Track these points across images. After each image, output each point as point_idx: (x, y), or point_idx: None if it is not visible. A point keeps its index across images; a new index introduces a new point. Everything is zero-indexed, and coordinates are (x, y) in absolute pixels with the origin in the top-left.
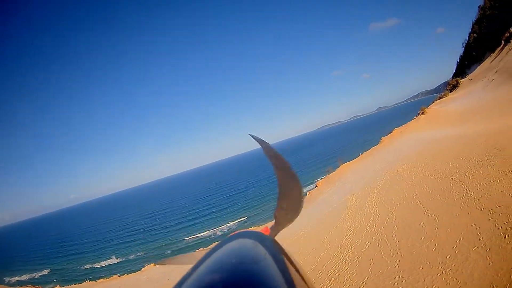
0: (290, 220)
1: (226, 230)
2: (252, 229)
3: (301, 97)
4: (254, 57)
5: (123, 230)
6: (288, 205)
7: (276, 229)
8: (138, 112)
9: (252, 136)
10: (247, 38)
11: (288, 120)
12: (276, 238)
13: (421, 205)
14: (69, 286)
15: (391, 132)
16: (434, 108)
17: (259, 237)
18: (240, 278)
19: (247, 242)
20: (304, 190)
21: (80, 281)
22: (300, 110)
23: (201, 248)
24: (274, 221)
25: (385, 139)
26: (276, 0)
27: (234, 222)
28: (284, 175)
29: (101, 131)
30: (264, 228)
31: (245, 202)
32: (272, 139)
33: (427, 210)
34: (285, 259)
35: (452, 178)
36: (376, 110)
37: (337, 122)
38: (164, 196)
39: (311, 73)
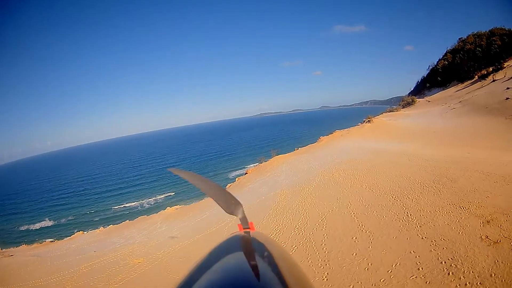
0: (238, 205)
1: (153, 203)
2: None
3: (245, 80)
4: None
5: (57, 191)
6: (225, 199)
7: (242, 219)
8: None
9: (173, 171)
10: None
11: (229, 101)
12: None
13: (355, 218)
14: (8, 249)
15: (331, 133)
16: (382, 119)
17: (257, 237)
18: (241, 278)
19: (244, 242)
20: (234, 174)
21: (17, 244)
22: (242, 93)
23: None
24: (235, 215)
25: (324, 139)
26: None
27: (162, 196)
28: (208, 187)
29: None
30: (238, 225)
31: (176, 177)
32: (207, 119)
33: (362, 225)
34: (283, 256)
35: (392, 197)
36: (319, 108)
37: (277, 112)
38: (103, 158)
39: (261, 58)
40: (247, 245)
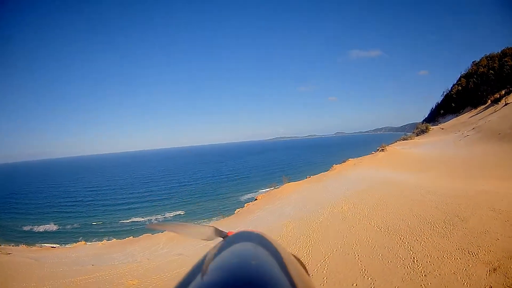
0: (205, 228)
1: (161, 220)
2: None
3: (261, 103)
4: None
5: (66, 198)
6: (192, 231)
7: (219, 233)
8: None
9: (151, 225)
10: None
11: (245, 123)
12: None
13: (359, 260)
14: (7, 246)
15: (344, 161)
16: (396, 148)
17: (257, 237)
18: (243, 278)
19: (247, 241)
20: (245, 197)
21: (18, 242)
22: (258, 116)
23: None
24: (210, 239)
25: (336, 167)
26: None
27: (171, 214)
28: (183, 229)
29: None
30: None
31: (187, 197)
32: (222, 140)
33: (364, 269)
34: (286, 257)
35: (400, 238)
36: (334, 134)
37: (292, 136)
38: (115, 170)
39: (278, 83)
40: (259, 242)
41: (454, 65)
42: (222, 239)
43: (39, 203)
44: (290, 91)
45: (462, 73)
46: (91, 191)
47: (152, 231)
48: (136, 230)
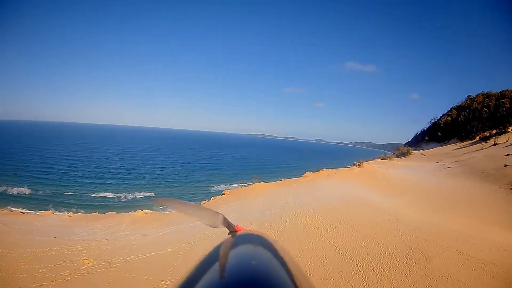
0: (216, 215)
1: (130, 199)
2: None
3: (246, 97)
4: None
5: (42, 163)
6: (203, 215)
7: (228, 226)
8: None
9: (158, 199)
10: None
11: (227, 115)
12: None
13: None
14: None
15: (318, 170)
16: (373, 166)
17: (258, 238)
18: (243, 278)
19: (248, 242)
20: (216, 188)
21: None
22: (241, 109)
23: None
24: (220, 227)
25: (309, 175)
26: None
27: (141, 194)
28: (189, 209)
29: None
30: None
31: (160, 179)
32: (203, 127)
33: None
34: (286, 258)
35: (357, 264)
36: (314, 140)
37: (271, 135)
38: (94, 142)
39: (267, 80)
40: (260, 243)
41: (446, 94)
42: (228, 234)
43: (15, 165)
44: (277, 90)
45: (455, 104)
46: (68, 159)
47: (119, 209)
48: (105, 206)
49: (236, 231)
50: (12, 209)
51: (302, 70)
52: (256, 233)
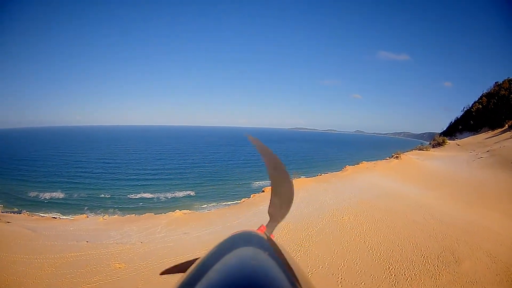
0: (283, 215)
1: (169, 198)
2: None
3: (284, 92)
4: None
5: (76, 167)
6: (281, 201)
7: (271, 225)
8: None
9: (249, 137)
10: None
11: (267, 110)
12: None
13: (340, 286)
14: (8, 214)
15: (358, 164)
16: (411, 157)
17: (257, 237)
18: (242, 279)
19: (246, 242)
20: (256, 184)
21: (20, 209)
22: (279, 104)
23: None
24: (269, 217)
25: (349, 169)
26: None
27: (181, 193)
28: (277, 173)
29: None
30: (260, 227)
31: (202, 178)
32: (242, 123)
33: None
34: (284, 258)
35: (388, 267)
36: (354, 132)
37: (312, 128)
38: (130, 143)
39: (303, 73)
40: (263, 244)
41: (478, 81)
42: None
43: (47, 171)
44: (315, 83)
45: (484, 91)
46: (103, 162)
47: (158, 210)
48: (143, 206)
49: (270, 235)
50: (42, 214)
51: (337, 62)
52: (256, 233)
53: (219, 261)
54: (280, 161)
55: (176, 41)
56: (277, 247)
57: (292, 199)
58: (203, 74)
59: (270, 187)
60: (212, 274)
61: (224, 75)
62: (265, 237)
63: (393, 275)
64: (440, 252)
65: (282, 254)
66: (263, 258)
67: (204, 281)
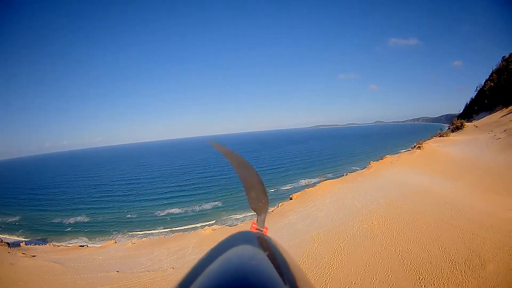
0: (265, 204)
1: (197, 211)
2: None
3: (302, 91)
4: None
5: (98, 190)
6: (256, 192)
7: (261, 219)
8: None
9: (212, 144)
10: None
11: (286, 111)
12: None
13: None
14: (32, 246)
15: (381, 158)
16: (432, 145)
17: (251, 235)
18: (241, 279)
19: (248, 242)
20: (284, 188)
21: (46, 232)
22: (298, 104)
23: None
24: (256, 213)
25: (373, 165)
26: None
27: (209, 205)
28: (241, 169)
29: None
30: (252, 224)
31: (228, 188)
32: (264, 127)
33: None
34: (283, 256)
35: (418, 277)
36: (373, 123)
37: (332, 124)
38: (151, 159)
39: (319, 71)
40: (261, 243)
41: (487, 57)
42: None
43: (69, 197)
44: (331, 78)
45: (494, 68)
46: (125, 181)
47: (188, 222)
48: (172, 220)
49: (263, 231)
50: (68, 244)
51: (349, 55)
52: (256, 233)
53: (215, 260)
54: (241, 157)
55: (205, 56)
56: (271, 242)
57: (264, 186)
58: (222, 83)
59: (243, 185)
60: (209, 273)
61: (242, 82)
62: (259, 233)
63: (422, 286)
64: (467, 255)
65: (276, 248)
66: (259, 254)
67: (201, 279)
